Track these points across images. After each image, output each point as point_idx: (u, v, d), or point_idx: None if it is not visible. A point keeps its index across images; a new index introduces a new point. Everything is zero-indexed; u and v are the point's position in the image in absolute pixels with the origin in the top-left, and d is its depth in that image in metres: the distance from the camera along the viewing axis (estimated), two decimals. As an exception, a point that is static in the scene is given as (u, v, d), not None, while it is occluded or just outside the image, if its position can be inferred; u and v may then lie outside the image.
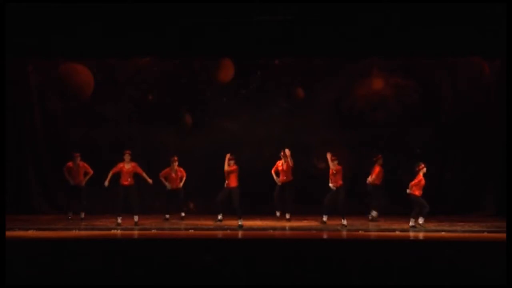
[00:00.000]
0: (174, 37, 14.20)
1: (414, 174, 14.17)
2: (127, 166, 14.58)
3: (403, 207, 15.36)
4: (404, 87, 16.96)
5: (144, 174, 14.64)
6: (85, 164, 15.30)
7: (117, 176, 14.59)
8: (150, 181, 14.67)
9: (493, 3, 13.45)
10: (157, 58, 16.54)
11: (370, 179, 15.31)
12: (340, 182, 14.52)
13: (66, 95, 16.94)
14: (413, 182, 14.05)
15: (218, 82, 17.06)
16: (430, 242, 12.80)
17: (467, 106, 16.75)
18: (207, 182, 16.08)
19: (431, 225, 14.38)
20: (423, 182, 14.07)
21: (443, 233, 13.68)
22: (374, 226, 14.56)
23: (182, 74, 17.13)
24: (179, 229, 14.34)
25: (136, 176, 14.64)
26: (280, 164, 15.42)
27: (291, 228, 14.51)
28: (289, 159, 15.12)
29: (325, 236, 13.60)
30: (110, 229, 14.05)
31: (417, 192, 14.05)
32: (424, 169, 14.09)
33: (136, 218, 14.48)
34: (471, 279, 10.05)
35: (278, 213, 15.57)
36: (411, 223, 14.12)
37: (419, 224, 14.09)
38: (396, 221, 15.07)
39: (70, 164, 15.26)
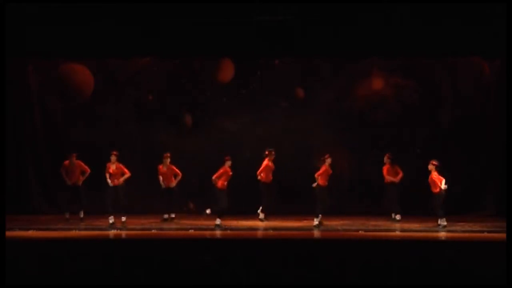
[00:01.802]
0: (174, 37, 14.20)
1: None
2: (112, 167, 14.68)
3: (406, 207, 15.36)
4: (404, 87, 16.95)
5: (126, 176, 14.69)
6: (81, 163, 15.21)
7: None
8: (126, 176, 14.72)
9: (493, 3, 13.45)
10: (157, 58, 16.51)
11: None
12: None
13: (66, 95, 16.93)
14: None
15: (218, 82, 17.06)
16: (430, 242, 12.81)
17: (467, 106, 16.74)
18: (207, 182, 16.04)
19: (431, 225, 14.39)
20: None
21: (443, 233, 13.68)
22: (374, 226, 14.56)
23: (182, 74, 17.11)
24: (179, 229, 14.34)
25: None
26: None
27: (291, 228, 14.51)
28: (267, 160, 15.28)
29: (325, 236, 13.59)
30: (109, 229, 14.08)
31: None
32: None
33: (123, 218, 14.52)
34: (471, 279, 10.06)
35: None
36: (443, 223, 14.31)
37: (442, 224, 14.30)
38: (397, 221, 15.10)
39: (66, 163, 15.20)
